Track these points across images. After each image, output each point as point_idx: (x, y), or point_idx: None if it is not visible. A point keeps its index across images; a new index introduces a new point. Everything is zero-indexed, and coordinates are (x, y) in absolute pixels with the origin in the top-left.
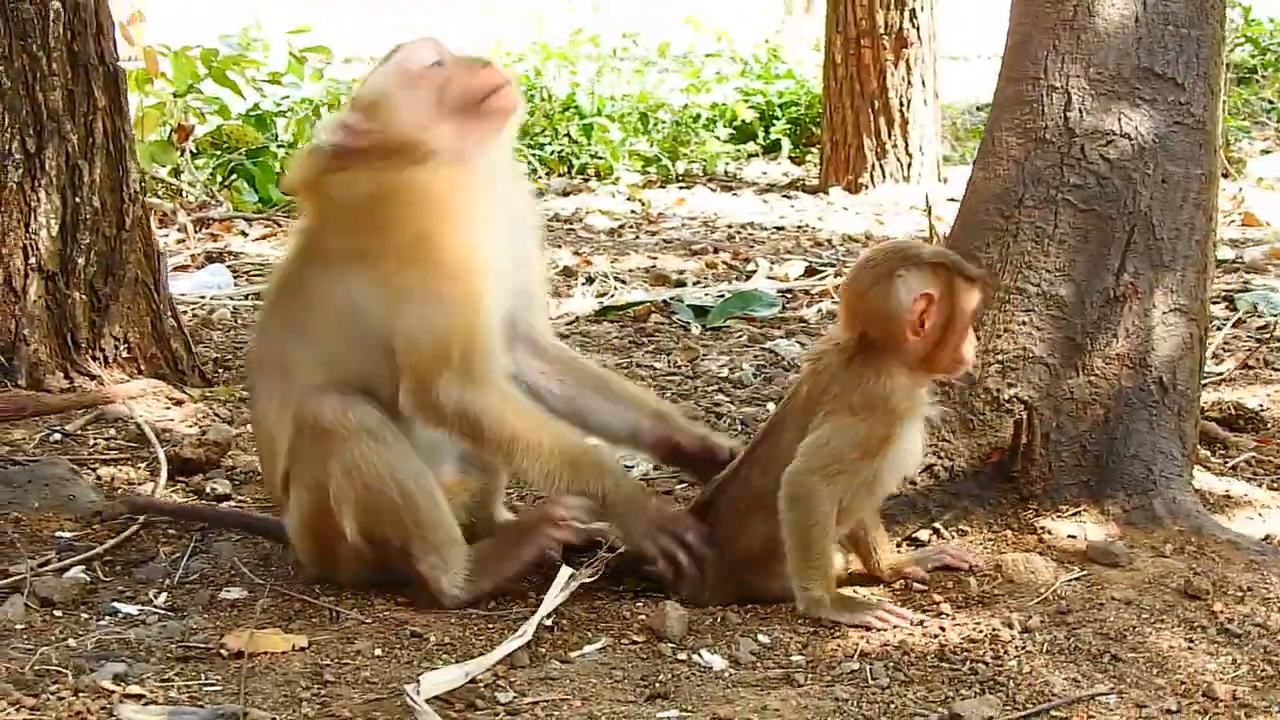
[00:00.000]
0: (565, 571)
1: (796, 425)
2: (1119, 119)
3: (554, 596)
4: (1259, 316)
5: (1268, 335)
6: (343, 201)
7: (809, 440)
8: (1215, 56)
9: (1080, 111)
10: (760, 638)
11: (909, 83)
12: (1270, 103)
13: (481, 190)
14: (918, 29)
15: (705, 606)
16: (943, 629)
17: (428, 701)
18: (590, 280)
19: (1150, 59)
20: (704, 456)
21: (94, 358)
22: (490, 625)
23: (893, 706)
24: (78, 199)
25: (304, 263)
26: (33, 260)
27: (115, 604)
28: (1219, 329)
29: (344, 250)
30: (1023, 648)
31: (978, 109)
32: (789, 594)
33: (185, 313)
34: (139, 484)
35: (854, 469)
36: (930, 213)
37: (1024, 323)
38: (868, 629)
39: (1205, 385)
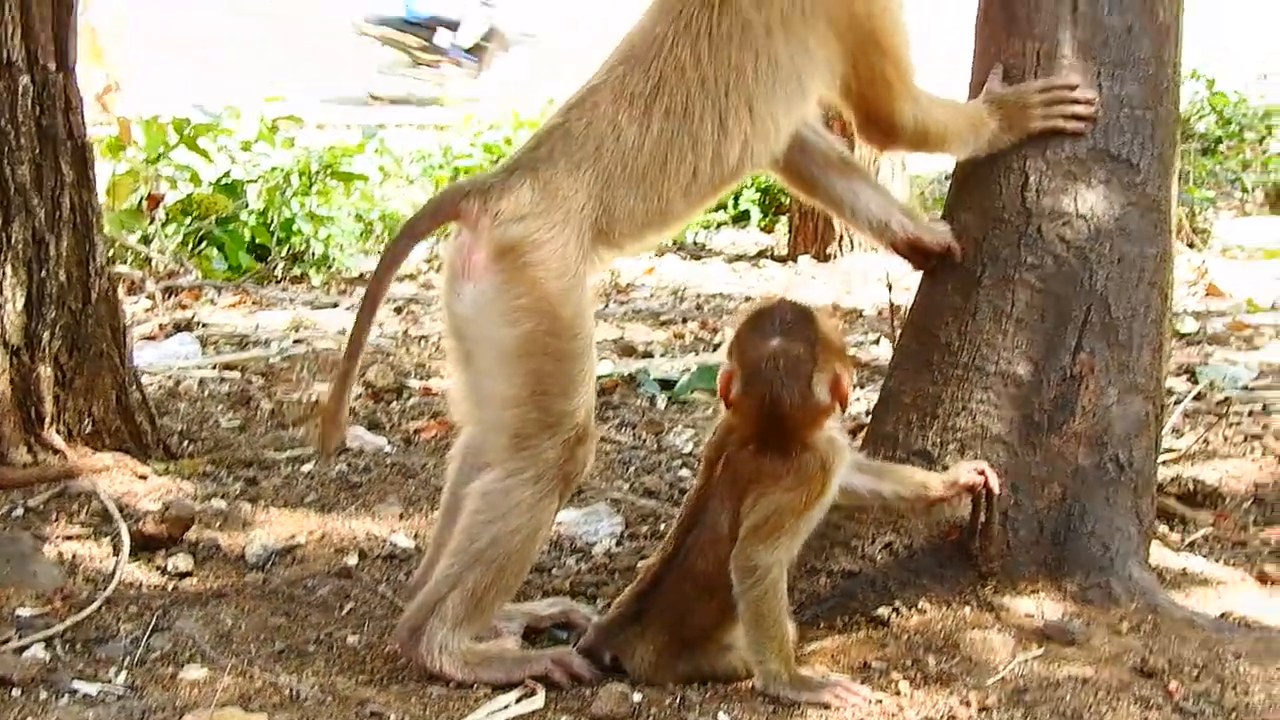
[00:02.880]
0: (540, 697)
1: (725, 504)
2: (1075, 199)
3: (510, 703)
4: (1219, 390)
5: (1226, 409)
6: None
7: (750, 522)
8: (1170, 137)
9: (1037, 192)
10: (720, 717)
11: (875, 154)
12: (1234, 173)
13: None
14: None
15: (661, 685)
16: (900, 708)
17: None
18: None
19: (1106, 140)
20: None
21: (58, 432)
22: (451, 705)
23: None
24: (44, 273)
25: None
26: None
27: (75, 683)
28: (1178, 403)
29: None
30: None
31: (946, 178)
32: (736, 671)
33: (151, 383)
34: (101, 560)
35: (795, 531)
36: (890, 288)
37: (982, 401)
38: (826, 707)
39: (1165, 460)
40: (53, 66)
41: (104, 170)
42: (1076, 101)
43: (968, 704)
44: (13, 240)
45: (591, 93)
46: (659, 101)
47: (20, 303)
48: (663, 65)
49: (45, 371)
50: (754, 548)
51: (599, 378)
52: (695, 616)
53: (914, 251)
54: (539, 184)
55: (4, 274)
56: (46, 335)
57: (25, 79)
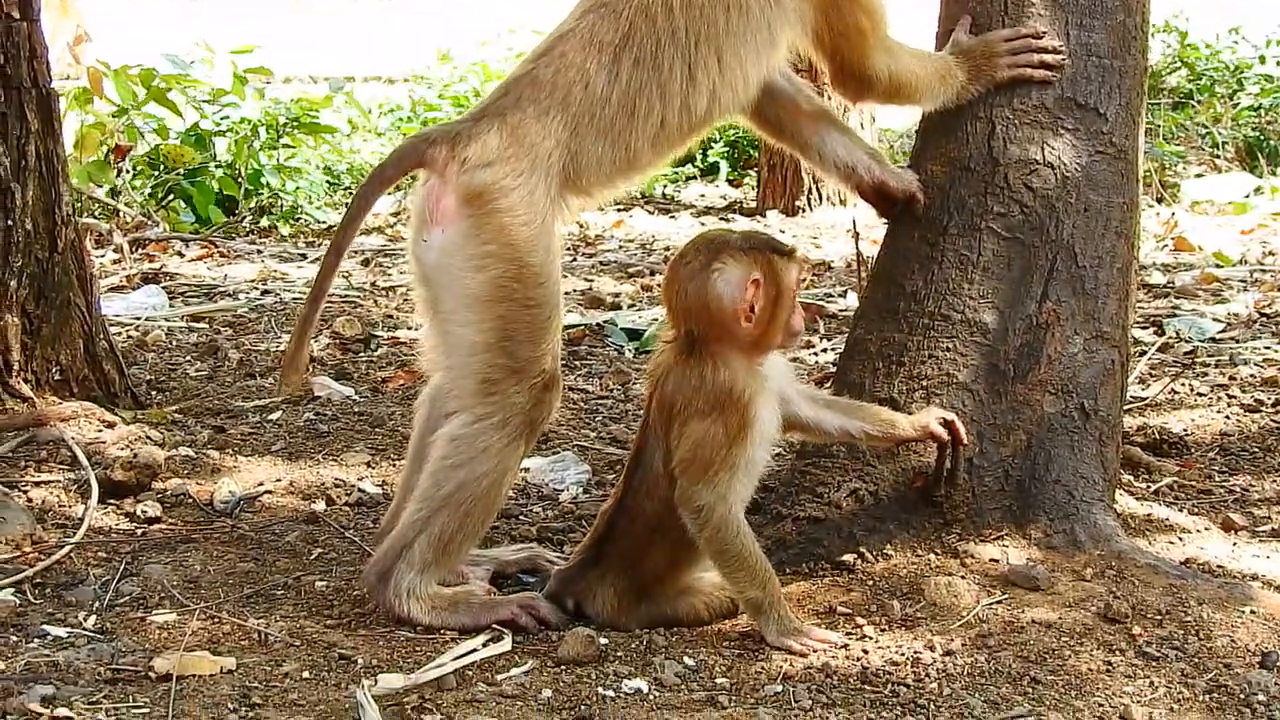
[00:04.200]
0: (507, 642)
1: (660, 441)
2: (1042, 148)
3: (477, 646)
4: (1186, 342)
5: (1193, 360)
6: None
7: (678, 457)
8: (1137, 87)
9: (1004, 141)
10: (686, 660)
11: (845, 106)
12: (1205, 127)
13: None
14: None
15: (626, 629)
16: (865, 652)
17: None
18: None
19: (1073, 89)
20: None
21: (26, 380)
22: (419, 649)
23: None
24: (10, 222)
25: None
26: None
27: (45, 626)
28: (1144, 354)
29: None
30: (944, 670)
31: (916, 132)
32: (699, 615)
33: (119, 334)
34: (70, 506)
35: (728, 462)
36: (857, 238)
37: (948, 349)
38: (790, 653)
39: (1131, 410)
40: (16, 15)
41: (72, 122)
42: (1044, 50)
43: (932, 648)
44: None
45: (560, 40)
46: (628, 51)
47: None
48: (633, 15)
49: (12, 320)
50: (692, 488)
51: (567, 328)
52: (648, 559)
53: (880, 197)
54: (507, 130)
55: None
56: (13, 284)
57: None
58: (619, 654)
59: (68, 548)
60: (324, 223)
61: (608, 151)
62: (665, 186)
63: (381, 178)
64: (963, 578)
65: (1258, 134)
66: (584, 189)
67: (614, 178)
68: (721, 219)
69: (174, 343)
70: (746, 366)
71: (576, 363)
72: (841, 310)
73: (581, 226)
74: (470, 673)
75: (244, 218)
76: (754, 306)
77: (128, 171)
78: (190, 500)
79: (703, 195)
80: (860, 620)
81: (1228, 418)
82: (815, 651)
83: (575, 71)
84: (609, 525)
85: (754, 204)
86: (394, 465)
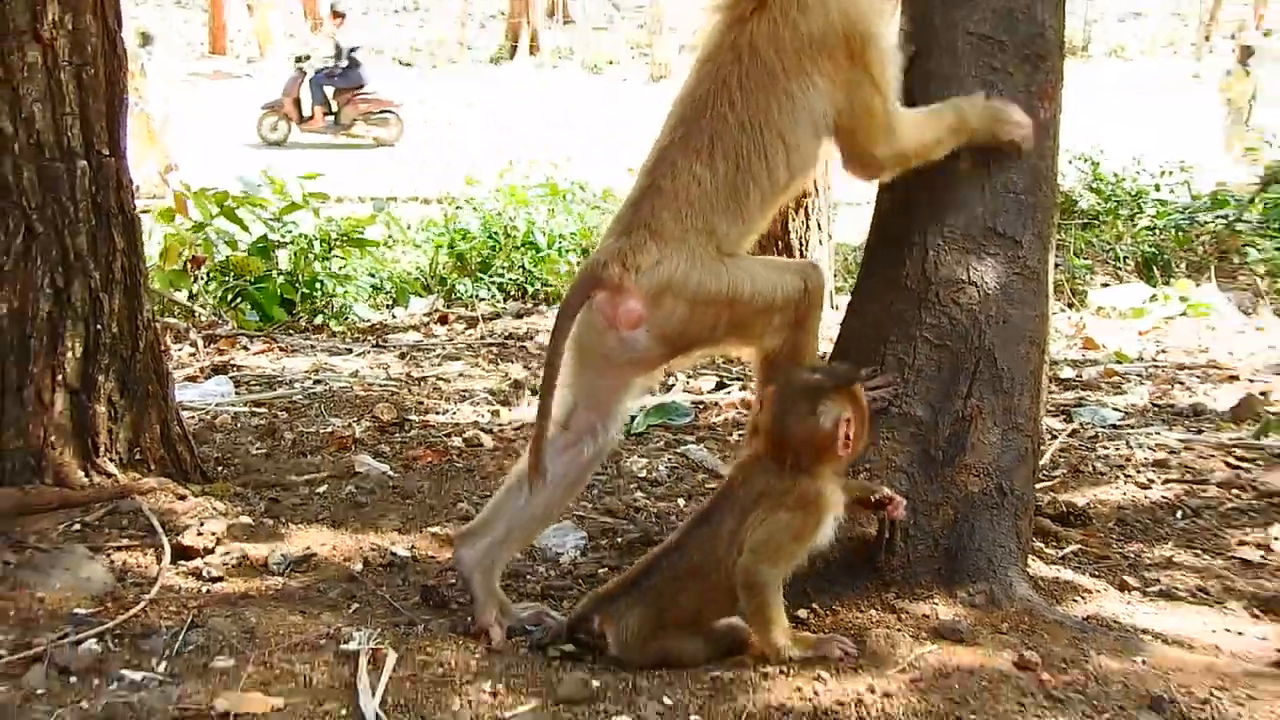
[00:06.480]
0: None
1: (735, 518)
2: (968, 270)
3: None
4: (1091, 428)
5: (1095, 444)
6: None
7: (755, 537)
8: (1048, 218)
9: (936, 264)
10: (665, 699)
11: (807, 226)
12: (1109, 244)
13: None
14: (814, 182)
15: (631, 667)
16: (816, 693)
17: None
18: (536, 392)
19: (994, 220)
20: None
21: (111, 460)
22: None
23: None
24: (99, 327)
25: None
26: (59, 378)
27: (123, 671)
28: (1054, 438)
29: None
30: (883, 710)
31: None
32: (695, 659)
33: (192, 418)
34: (146, 567)
35: (793, 553)
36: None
37: (888, 438)
38: (827, 658)
39: (1042, 487)
40: (106, 152)
41: (159, 234)
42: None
43: (873, 690)
44: (73, 299)
45: (664, 153)
46: (717, 150)
47: (79, 351)
48: (710, 121)
49: (100, 409)
50: (758, 565)
51: None
52: (680, 599)
53: None
54: (656, 235)
55: (65, 327)
56: (101, 379)
57: (83, 163)
58: (609, 694)
59: (143, 603)
60: (368, 320)
61: (733, 226)
62: None
63: (569, 311)
64: (899, 630)
65: (1154, 250)
66: (728, 253)
67: (743, 240)
68: None
69: (238, 425)
70: (830, 478)
71: None
72: None
73: None
74: (482, 711)
75: (300, 317)
76: (849, 435)
77: (203, 278)
78: (249, 562)
79: None
80: (813, 665)
81: (1124, 493)
82: (840, 652)
83: (687, 175)
84: (655, 563)
85: None
86: (421, 532)
